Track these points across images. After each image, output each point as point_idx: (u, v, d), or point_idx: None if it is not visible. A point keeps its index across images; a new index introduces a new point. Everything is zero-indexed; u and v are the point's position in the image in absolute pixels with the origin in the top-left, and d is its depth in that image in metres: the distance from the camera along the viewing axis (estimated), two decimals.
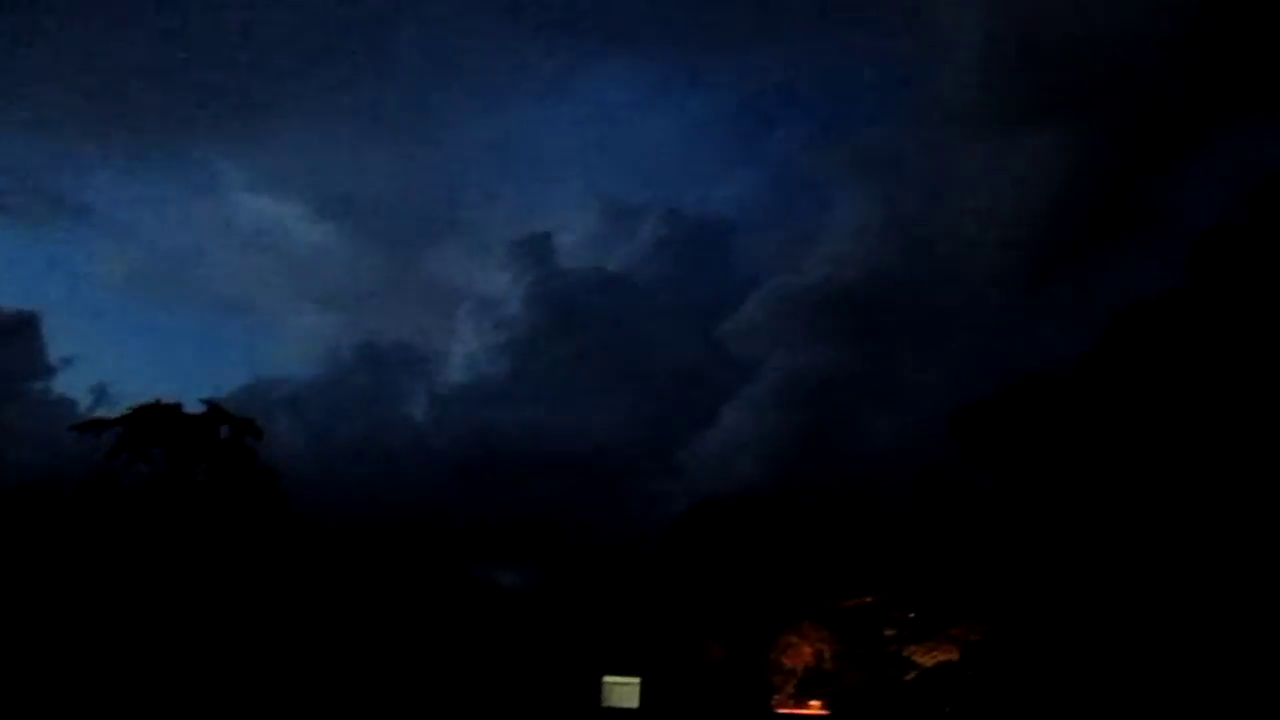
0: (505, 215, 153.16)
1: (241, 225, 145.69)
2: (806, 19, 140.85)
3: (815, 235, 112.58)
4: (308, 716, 40.38)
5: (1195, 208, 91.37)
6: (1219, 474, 30.77)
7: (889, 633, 44.87)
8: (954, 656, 41.93)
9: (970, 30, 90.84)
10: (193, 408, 42.89)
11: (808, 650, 47.17)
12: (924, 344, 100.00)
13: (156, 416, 41.08)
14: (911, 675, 43.03)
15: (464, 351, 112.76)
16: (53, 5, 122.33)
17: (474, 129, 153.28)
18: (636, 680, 48.22)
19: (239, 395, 73.77)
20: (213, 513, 41.05)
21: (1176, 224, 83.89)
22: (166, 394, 42.26)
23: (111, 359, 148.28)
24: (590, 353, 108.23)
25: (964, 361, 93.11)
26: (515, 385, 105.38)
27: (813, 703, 46.06)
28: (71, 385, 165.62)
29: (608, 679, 48.36)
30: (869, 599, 46.21)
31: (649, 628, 50.24)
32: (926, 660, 42.75)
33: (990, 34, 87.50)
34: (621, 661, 48.82)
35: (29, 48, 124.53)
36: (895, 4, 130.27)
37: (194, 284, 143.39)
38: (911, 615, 44.22)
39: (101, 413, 48.10)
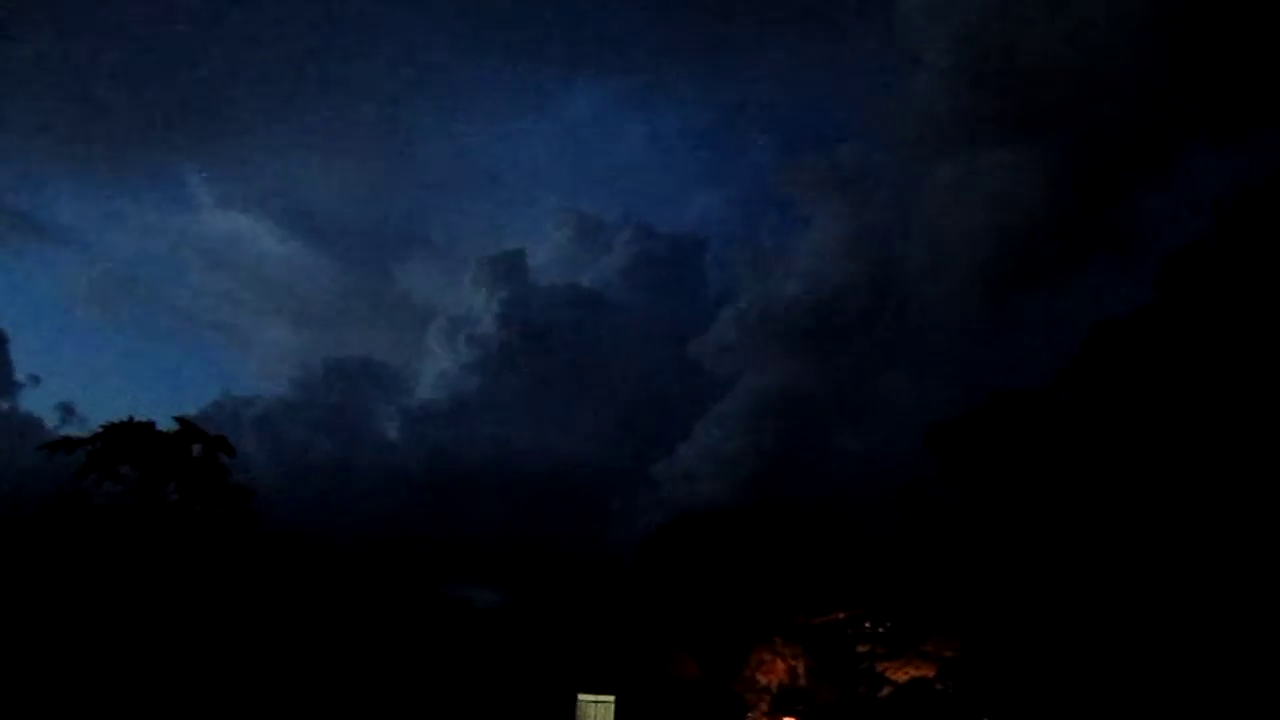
0: (477, 232, 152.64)
1: (210, 242, 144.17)
2: (778, 35, 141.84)
3: (788, 251, 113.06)
4: None
5: (1164, 225, 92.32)
6: (1194, 490, 31.15)
7: (862, 649, 45.10)
8: (927, 672, 42.21)
9: (942, 47, 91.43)
10: (163, 425, 42.50)
11: (781, 667, 47.27)
12: (896, 360, 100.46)
13: (128, 435, 40.58)
14: (885, 692, 43.24)
15: (436, 369, 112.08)
16: (14, 19, 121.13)
17: (445, 145, 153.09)
18: (611, 698, 48.11)
19: (208, 413, 73.41)
20: (184, 531, 40.64)
21: (1146, 241, 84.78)
22: (134, 412, 41.67)
23: (78, 377, 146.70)
24: (563, 369, 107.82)
25: (936, 377, 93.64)
26: (487, 402, 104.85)
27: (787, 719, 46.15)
28: (38, 403, 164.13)
29: (582, 697, 48.22)
30: (841, 615, 46.42)
31: (623, 645, 50.18)
32: (900, 676, 43.01)
33: (962, 51, 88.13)
34: (596, 679, 48.69)
35: None
36: (867, 21, 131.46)
37: (162, 301, 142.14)
38: (882, 630, 44.45)
39: (69, 430, 47.55)
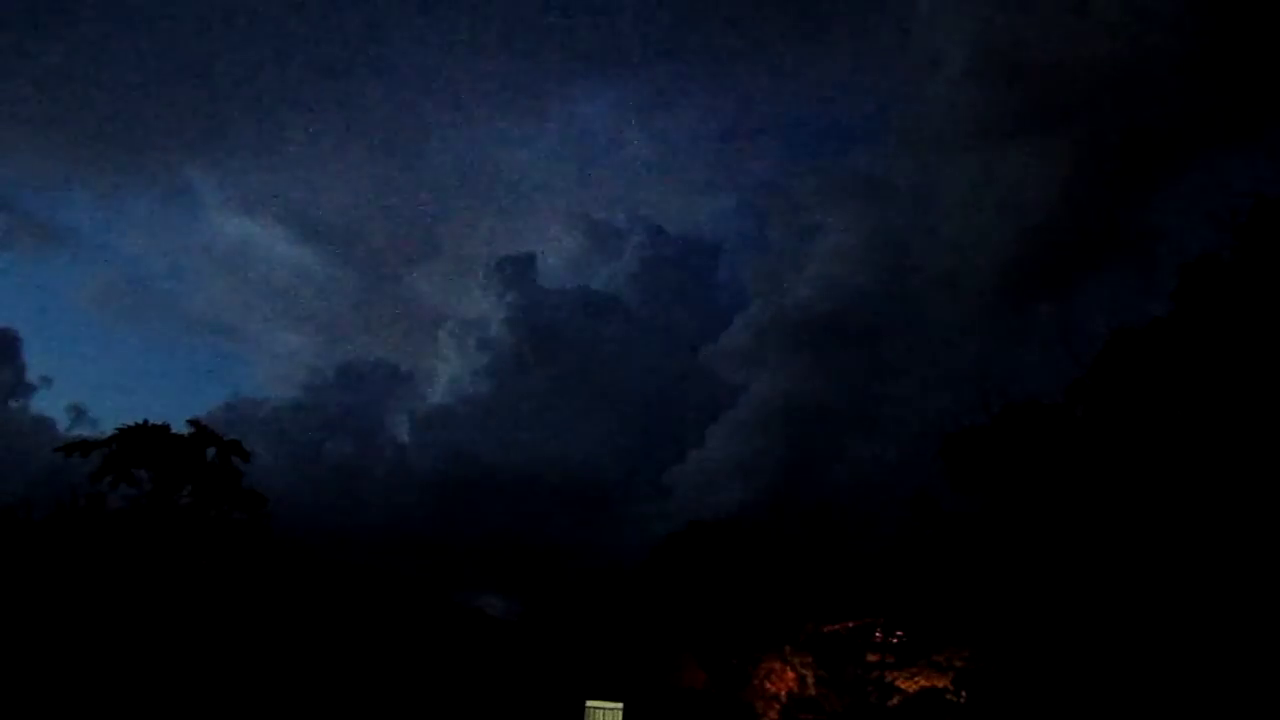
0: (488, 235, 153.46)
1: (220, 246, 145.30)
2: (790, 38, 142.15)
3: (800, 256, 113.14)
4: None
5: (1181, 229, 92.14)
6: (1211, 504, 30.99)
7: (872, 658, 44.91)
8: (938, 682, 42.12)
9: (956, 52, 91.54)
10: (175, 427, 42.61)
11: (790, 676, 47.04)
12: (909, 366, 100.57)
13: (142, 438, 40.71)
14: (895, 701, 43.13)
15: (446, 373, 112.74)
16: (25, 24, 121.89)
17: (455, 150, 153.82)
18: (619, 706, 48.09)
19: (218, 415, 73.53)
20: (198, 535, 40.73)
21: (1163, 245, 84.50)
22: (145, 414, 41.91)
23: (89, 378, 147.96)
24: (574, 374, 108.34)
25: (949, 383, 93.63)
26: (498, 407, 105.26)
27: None
28: (50, 405, 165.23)
29: (591, 704, 48.21)
30: (852, 624, 46.25)
31: (633, 652, 50.10)
32: (910, 686, 42.90)
33: (976, 56, 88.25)
34: (605, 686, 48.67)
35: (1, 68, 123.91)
36: (880, 25, 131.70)
37: (173, 304, 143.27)
38: (893, 639, 44.32)
39: (80, 432, 47.83)
